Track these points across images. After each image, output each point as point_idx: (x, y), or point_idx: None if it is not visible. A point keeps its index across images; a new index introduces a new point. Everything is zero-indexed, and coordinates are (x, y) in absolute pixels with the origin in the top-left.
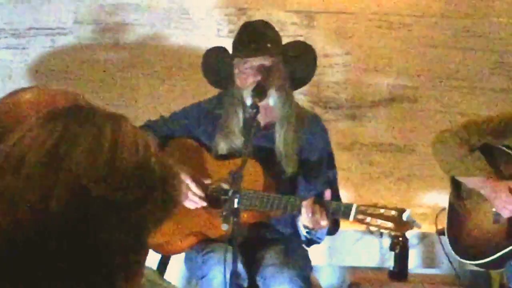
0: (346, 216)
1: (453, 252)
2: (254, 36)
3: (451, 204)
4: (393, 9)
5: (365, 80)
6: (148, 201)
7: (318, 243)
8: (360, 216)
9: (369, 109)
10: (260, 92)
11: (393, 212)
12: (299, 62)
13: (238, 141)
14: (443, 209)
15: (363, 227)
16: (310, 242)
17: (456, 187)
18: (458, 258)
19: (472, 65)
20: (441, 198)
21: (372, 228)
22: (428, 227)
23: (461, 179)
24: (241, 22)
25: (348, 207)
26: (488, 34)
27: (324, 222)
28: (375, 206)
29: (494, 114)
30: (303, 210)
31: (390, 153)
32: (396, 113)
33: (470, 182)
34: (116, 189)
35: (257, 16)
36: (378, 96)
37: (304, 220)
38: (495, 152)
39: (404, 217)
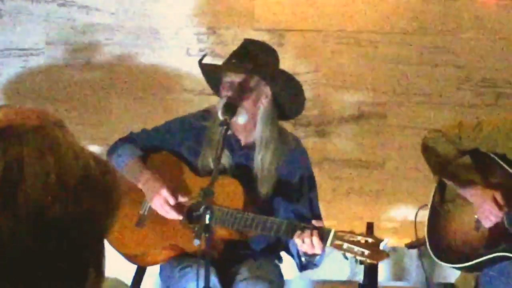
0: (324, 241)
1: (424, 264)
2: (239, 52)
3: (433, 205)
4: (361, 26)
5: (334, 96)
6: (99, 203)
7: (313, 268)
8: (337, 242)
9: (338, 125)
10: (229, 109)
11: (370, 240)
12: (283, 89)
13: (223, 156)
14: (425, 205)
15: None
16: (305, 267)
17: (441, 188)
18: (436, 259)
19: (440, 80)
20: (410, 213)
21: (348, 255)
22: (397, 241)
23: (448, 182)
24: (210, 41)
25: (326, 232)
26: (455, 50)
27: (321, 248)
28: (352, 232)
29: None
30: (301, 237)
31: (359, 169)
32: (365, 129)
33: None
34: (70, 205)
35: (226, 35)
36: (347, 113)
37: (301, 247)
38: (484, 158)
39: (381, 246)
